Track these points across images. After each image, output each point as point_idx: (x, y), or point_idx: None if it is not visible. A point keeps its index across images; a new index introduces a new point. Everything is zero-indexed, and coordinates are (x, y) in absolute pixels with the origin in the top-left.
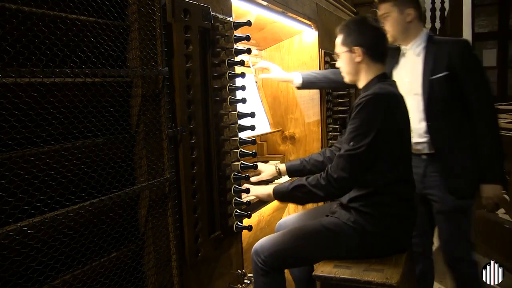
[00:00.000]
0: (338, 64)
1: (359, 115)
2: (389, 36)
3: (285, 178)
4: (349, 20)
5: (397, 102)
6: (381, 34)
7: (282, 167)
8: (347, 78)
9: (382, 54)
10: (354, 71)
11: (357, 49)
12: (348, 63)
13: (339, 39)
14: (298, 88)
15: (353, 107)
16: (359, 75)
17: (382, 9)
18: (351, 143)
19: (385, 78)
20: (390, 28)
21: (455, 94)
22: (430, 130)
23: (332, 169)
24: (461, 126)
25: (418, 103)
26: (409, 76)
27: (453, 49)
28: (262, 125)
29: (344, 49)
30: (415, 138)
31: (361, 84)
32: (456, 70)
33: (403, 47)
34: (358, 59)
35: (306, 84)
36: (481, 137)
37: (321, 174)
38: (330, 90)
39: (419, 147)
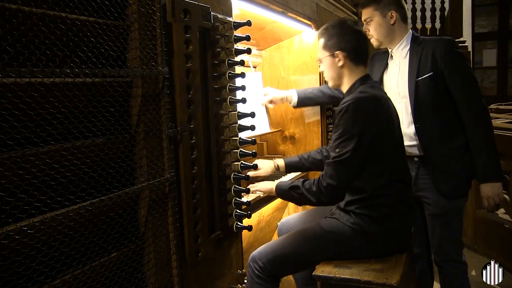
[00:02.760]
0: (320, 69)
1: (341, 121)
2: (375, 41)
3: (286, 177)
4: (329, 23)
5: (379, 104)
6: (362, 36)
7: (281, 162)
8: (330, 83)
9: (364, 56)
10: (336, 75)
11: (339, 53)
12: (330, 68)
13: (320, 43)
14: (295, 106)
15: (336, 114)
16: (342, 79)
17: (365, 14)
18: (337, 150)
19: (367, 80)
20: (374, 32)
21: (442, 94)
22: (418, 132)
23: (322, 177)
24: (450, 126)
25: (406, 106)
26: (397, 79)
27: (436, 48)
28: (262, 125)
29: (325, 53)
30: (406, 141)
31: (344, 88)
32: (440, 70)
33: (390, 50)
34: (340, 63)
35: (303, 100)
36: (473, 136)
37: (314, 180)
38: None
39: (410, 150)
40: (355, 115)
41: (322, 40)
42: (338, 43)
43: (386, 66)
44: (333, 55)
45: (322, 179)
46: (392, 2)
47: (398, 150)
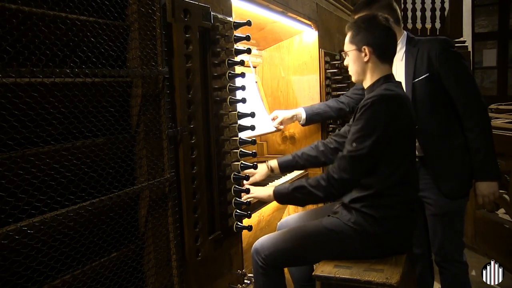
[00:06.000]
0: (345, 62)
1: (363, 116)
2: None
3: (283, 179)
4: (359, 17)
5: (402, 104)
6: (391, 34)
7: (274, 163)
8: (353, 77)
9: (390, 54)
10: (361, 70)
11: (365, 48)
12: (355, 62)
13: (347, 37)
14: (304, 124)
15: (358, 108)
16: (365, 74)
17: None
18: (354, 144)
19: (390, 79)
20: None
21: (439, 94)
22: (417, 133)
23: (333, 170)
24: (449, 126)
25: None
26: None
27: (431, 49)
28: (262, 125)
29: (352, 47)
30: None
31: (366, 84)
32: (436, 70)
33: None
34: (365, 58)
35: (312, 117)
36: (471, 134)
37: (321, 175)
38: (330, 90)
39: None
40: (378, 112)
41: (350, 33)
42: (365, 38)
43: None
44: (359, 49)
45: (333, 173)
46: (384, 6)
47: (411, 153)
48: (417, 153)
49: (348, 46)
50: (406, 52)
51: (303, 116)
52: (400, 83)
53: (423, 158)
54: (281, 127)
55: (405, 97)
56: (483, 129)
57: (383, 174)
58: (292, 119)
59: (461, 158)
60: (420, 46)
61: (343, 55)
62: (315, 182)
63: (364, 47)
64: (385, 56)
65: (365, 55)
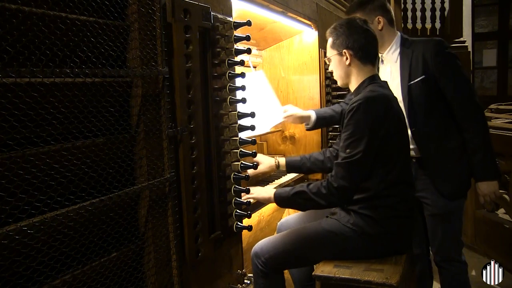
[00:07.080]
0: (330, 68)
1: (352, 121)
2: None
3: (283, 179)
4: (337, 22)
5: (389, 104)
6: (370, 35)
7: (282, 160)
8: (339, 82)
9: (372, 55)
10: (344, 74)
11: (346, 52)
12: (338, 66)
13: (328, 42)
14: (310, 128)
15: (345, 113)
16: (349, 78)
17: None
18: (348, 150)
19: (375, 79)
20: None
21: (436, 96)
22: (415, 136)
23: (332, 178)
24: (446, 127)
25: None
26: (390, 84)
27: (426, 51)
28: (262, 124)
29: (333, 52)
30: None
31: (352, 87)
32: (432, 72)
33: (380, 55)
34: (347, 62)
35: (319, 121)
36: (468, 135)
37: (321, 182)
38: (330, 90)
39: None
40: (366, 115)
41: (330, 39)
42: (345, 42)
43: (377, 70)
44: (340, 54)
45: (332, 181)
46: (378, 7)
47: (404, 151)
48: (414, 154)
49: (329, 52)
50: (401, 54)
51: (313, 118)
52: (386, 82)
53: (421, 159)
54: (290, 119)
55: (391, 96)
56: (480, 129)
57: (379, 175)
58: (301, 119)
59: (459, 159)
60: (415, 48)
61: (326, 61)
62: (316, 188)
63: (344, 50)
64: (366, 57)
65: (346, 58)
